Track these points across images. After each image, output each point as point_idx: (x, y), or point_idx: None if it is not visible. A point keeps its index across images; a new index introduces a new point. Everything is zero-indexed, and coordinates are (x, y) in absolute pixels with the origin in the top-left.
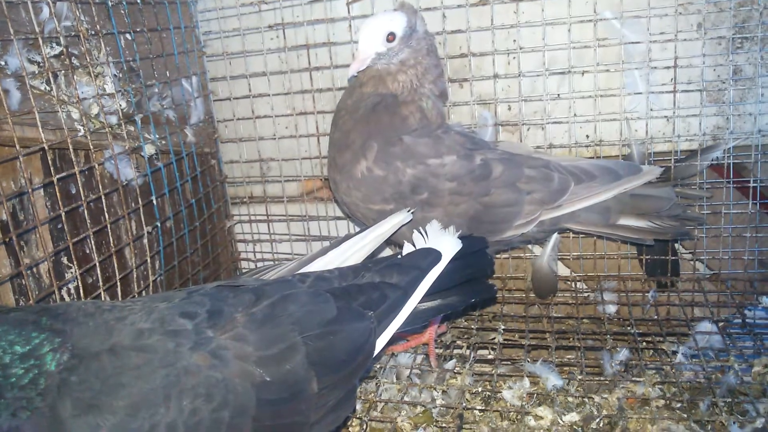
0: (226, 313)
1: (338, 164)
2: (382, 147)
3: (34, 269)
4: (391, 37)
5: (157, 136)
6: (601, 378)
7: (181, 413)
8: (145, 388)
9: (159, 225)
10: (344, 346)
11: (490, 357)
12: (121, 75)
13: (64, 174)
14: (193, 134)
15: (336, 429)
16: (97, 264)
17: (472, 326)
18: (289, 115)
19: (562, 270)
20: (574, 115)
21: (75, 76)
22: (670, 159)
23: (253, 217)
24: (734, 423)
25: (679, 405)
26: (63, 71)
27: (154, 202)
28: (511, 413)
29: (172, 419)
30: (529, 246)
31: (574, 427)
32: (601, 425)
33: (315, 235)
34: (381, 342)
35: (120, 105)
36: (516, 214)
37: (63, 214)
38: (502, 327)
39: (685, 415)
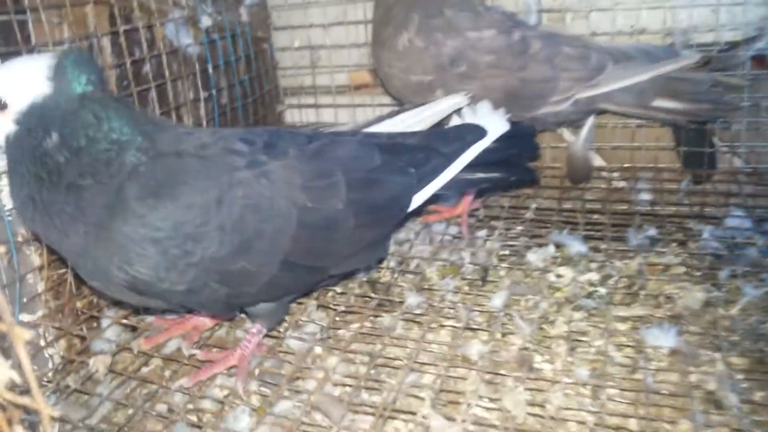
0: (280, 146)
1: (381, 39)
2: (424, 19)
3: None
4: None
5: (214, 10)
6: (625, 248)
7: (230, 217)
8: (201, 187)
9: (214, 93)
10: (383, 194)
11: (519, 229)
12: None
13: (129, 27)
14: (248, 15)
15: (369, 270)
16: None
17: (505, 204)
18: (338, 2)
19: (598, 161)
20: (618, 3)
21: None
22: (713, 50)
23: (303, 104)
24: (750, 285)
25: (699, 273)
26: None
27: (210, 71)
28: (534, 272)
29: (221, 221)
30: (565, 137)
31: (592, 281)
32: (619, 284)
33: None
34: (418, 199)
35: None
36: (551, 90)
37: (128, 62)
38: (534, 206)
39: (703, 280)
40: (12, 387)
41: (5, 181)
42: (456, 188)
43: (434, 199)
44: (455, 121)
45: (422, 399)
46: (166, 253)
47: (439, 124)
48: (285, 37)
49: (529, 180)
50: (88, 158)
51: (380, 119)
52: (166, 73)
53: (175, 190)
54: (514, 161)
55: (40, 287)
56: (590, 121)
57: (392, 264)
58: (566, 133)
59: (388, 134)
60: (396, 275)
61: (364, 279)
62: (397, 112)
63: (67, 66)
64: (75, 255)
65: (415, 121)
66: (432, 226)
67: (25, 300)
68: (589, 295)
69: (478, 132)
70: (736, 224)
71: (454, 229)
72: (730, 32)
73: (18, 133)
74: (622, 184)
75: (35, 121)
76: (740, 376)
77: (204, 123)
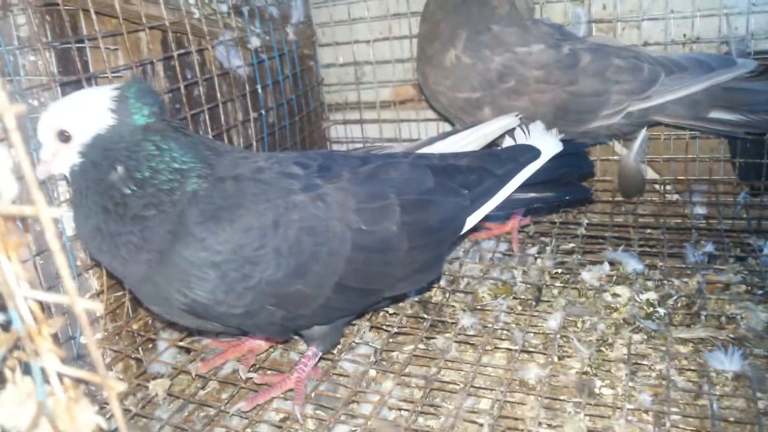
0: (334, 169)
1: (427, 55)
2: (471, 36)
3: None
4: None
5: (262, 30)
6: (683, 265)
7: (286, 240)
8: (259, 210)
9: (263, 113)
10: (437, 216)
11: (571, 246)
12: None
13: (182, 51)
14: (294, 33)
15: (420, 290)
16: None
17: (556, 220)
18: (383, 17)
19: (651, 174)
20: (671, 11)
21: None
22: None
23: (348, 119)
24: None
25: (761, 292)
26: None
27: (259, 91)
28: (589, 291)
29: (278, 244)
30: (616, 150)
31: (651, 301)
32: (678, 304)
33: (406, 138)
34: (471, 221)
35: None
36: (603, 104)
37: (182, 86)
38: (586, 221)
39: (765, 299)
40: None
41: (65, 207)
42: (508, 208)
43: (485, 217)
44: (507, 142)
45: (480, 425)
46: (225, 277)
47: (491, 146)
48: (330, 54)
49: (583, 198)
50: (152, 189)
51: (431, 141)
52: (218, 95)
53: (233, 214)
54: (567, 180)
55: (99, 311)
56: (642, 133)
57: (443, 283)
58: (617, 145)
59: (439, 156)
60: (447, 295)
61: (416, 299)
62: (448, 134)
63: (129, 97)
64: (137, 281)
65: (466, 142)
66: (481, 243)
67: None
68: (648, 316)
69: (531, 153)
70: None
71: (504, 246)
72: None
73: (83, 165)
74: (675, 197)
75: (100, 153)
76: None
77: (254, 143)
